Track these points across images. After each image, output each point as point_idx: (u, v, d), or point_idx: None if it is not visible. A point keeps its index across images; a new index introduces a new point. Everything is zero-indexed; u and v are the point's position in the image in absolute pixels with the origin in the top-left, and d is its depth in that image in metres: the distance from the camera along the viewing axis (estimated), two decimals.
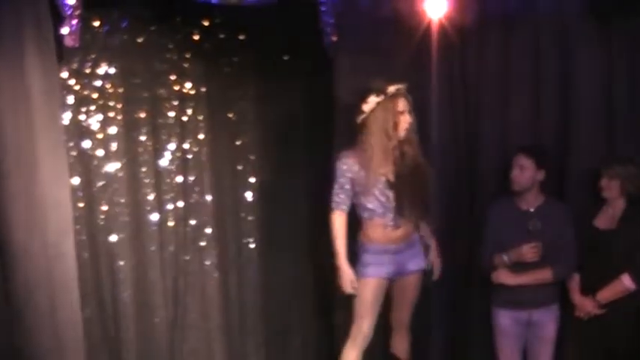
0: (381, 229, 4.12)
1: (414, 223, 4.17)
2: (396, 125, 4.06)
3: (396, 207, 4.09)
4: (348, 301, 4.21)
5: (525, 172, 4.19)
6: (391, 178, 4.09)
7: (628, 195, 4.08)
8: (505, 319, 4.28)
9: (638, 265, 4.00)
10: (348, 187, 4.09)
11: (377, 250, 4.13)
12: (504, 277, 4.22)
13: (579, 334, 4.20)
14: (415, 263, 4.22)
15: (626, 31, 4.39)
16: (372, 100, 4.05)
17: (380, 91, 4.04)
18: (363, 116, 4.07)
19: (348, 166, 4.08)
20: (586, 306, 4.13)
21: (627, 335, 4.04)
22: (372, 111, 4.05)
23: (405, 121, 4.08)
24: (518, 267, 4.18)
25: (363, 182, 4.06)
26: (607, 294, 4.06)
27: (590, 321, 4.12)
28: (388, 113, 4.04)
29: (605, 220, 4.16)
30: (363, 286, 4.13)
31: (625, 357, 4.06)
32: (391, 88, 4.06)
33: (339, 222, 4.11)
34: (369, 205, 4.10)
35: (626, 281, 4.01)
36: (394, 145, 4.09)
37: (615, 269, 4.02)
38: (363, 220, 4.17)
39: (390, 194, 4.09)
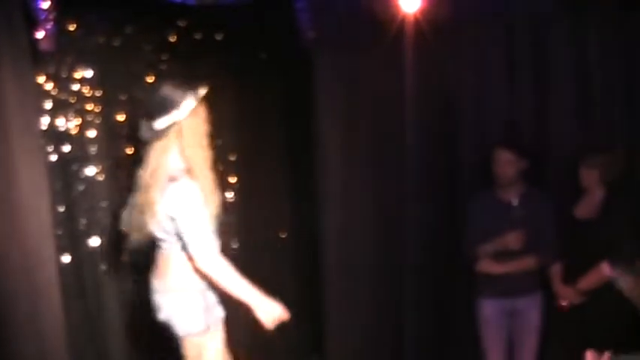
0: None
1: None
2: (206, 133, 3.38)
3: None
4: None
5: (509, 165, 4.23)
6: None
7: (607, 184, 4.12)
8: (489, 309, 4.32)
9: (617, 253, 4.03)
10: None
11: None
12: (489, 266, 4.27)
13: (561, 324, 4.23)
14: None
15: (601, 20, 4.43)
16: (188, 103, 3.30)
17: (194, 93, 3.32)
18: (175, 123, 3.29)
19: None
20: (567, 294, 4.17)
21: (608, 325, 4.06)
22: (188, 116, 3.30)
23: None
24: (502, 256, 4.22)
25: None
26: (587, 282, 4.09)
27: (572, 311, 4.16)
28: (201, 119, 3.36)
29: (584, 209, 4.20)
30: (215, 335, 3.44)
31: (606, 346, 4.08)
32: (202, 90, 3.35)
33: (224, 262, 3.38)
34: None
35: (606, 269, 4.04)
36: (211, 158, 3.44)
37: (595, 258, 4.06)
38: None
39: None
